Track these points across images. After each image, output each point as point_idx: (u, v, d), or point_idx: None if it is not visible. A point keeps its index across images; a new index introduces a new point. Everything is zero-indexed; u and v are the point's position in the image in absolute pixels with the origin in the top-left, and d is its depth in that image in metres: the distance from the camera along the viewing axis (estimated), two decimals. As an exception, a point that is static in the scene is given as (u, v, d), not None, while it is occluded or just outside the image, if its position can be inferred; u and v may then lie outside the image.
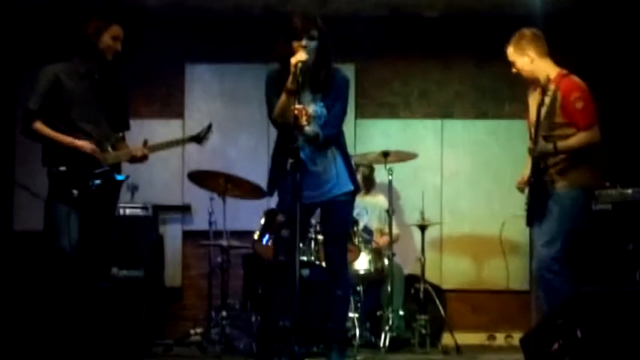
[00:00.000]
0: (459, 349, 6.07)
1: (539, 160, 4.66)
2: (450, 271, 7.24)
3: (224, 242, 6.01)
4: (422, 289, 6.15)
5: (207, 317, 6.15)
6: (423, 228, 6.35)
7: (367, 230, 6.33)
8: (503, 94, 7.35)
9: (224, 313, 5.82)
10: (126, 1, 6.75)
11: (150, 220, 6.63)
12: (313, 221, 5.20)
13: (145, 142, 4.82)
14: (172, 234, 7.34)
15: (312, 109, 4.28)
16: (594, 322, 3.75)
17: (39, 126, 4.61)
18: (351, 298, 5.77)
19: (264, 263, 5.81)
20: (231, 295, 6.23)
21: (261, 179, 5.32)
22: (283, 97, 4.24)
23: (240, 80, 7.28)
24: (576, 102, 4.63)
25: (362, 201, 6.49)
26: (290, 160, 4.00)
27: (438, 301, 6.25)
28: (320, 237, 5.38)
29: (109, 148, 4.73)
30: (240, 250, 6.40)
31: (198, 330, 6.11)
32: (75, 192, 4.51)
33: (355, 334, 5.74)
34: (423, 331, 6.05)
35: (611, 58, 7.02)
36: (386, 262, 6.14)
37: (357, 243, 5.87)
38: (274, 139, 4.52)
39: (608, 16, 6.99)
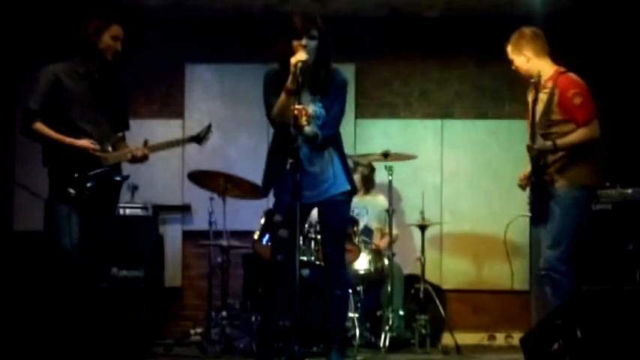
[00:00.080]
0: (459, 349, 6.07)
1: (539, 158, 4.67)
2: (450, 271, 7.24)
3: (224, 242, 6.00)
4: (422, 289, 6.15)
5: (207, 317, 6.15)
6: (423, 228, 6.35)
7: (367, 230, 6.33)
8: (503, 94, 7.36)
9: (224, 313, 5.82)
10: (126, 1, 6.76)
11: (150, 220, 6.62)
12: (314, 221, 5.20)
13: (146, 142, 4.81)
14: (172, 234, 7.34)
15: (311, 109, 4.28)
16: (594, 322, 3.75)
17: (39, 126, 4.61)
18: (351, 298, 5.78)
19: (264, 263, 5.81)
20: (231, 295, 6.23)
21: (261, 179, 5.31)
22: (283, 96, 4.24)
23: (240, 80, 7.27)
24: (574, 98, 4.64)
25: (362, 201, 6.50)
26: (290, 160, 4.00)
27: (438, 301, 6.25)
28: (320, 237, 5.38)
29: (109, 148, 4.72)
30: (240, 250, 6.40)
31: (198, 330, 6.11)
32: (72, 191, 4.51)
33: (355, 334, 5.74)
34: (423, 331, 6.05)
35: (611, 58, 7.02)
36: (386, 262, 6.14)
37: (357, 243, 5.88)
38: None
39: (608, 16, 6.99)
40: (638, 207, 5.67)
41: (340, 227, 4.56)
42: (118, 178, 4.77)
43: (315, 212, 4.65)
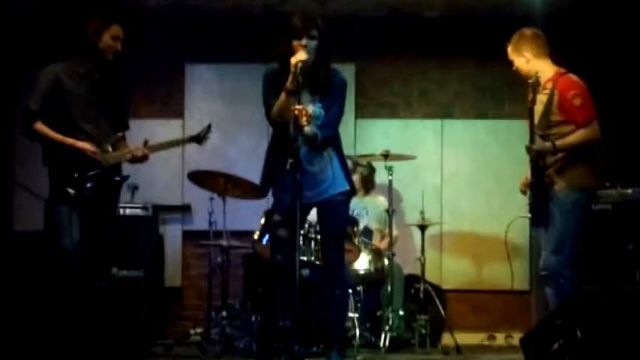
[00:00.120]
0: (459, 349, 6.07)
1: (538, 159, 4.67)
2: (450, 271, 7.24)
3: (224, 242, 6.00)
4: (422, 289, 6.15)
5: (207, 317, 6.15)
6: (423, 228, 6.35)
7: (367, 232, 6.32)
8: (503, 94, 7.36)
9: (224, 313, 5.82)
10: (126, 1, 6.76)
11: (150, 220, 6.62)
12: (314, 221, 5.20)
13: (146, 142, 4.82)
14: (172, 234, 7.34)
15: (310, 109, 4.27)
16: (594, 322, 3.75)
17: (39, 126, 4.61)
18: (351, 298, 5.79)
19: (264, 263, 5.80)
20: (231, 295, 6.23)
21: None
22: (282, 96, 4.23)
23: (240, 80, 7.27)
24: (574, 99, 4.63)
25: (361, 202, 6.50)
26: (290, 160, 4.00)
27: (438, 301, 6.25)
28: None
29: (109, 148, 4.72)
30: (240, 250, 6.40)
31: (198, 330, 6.11)
32: (72, 191, 4.51)
33: (355, 334, 5.74)
34: (423, 331, 6.04)
35: (611, 58, 7.02)
36: (386, 262, 6.14)
37: (357, 243, 5.88)
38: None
39: (608, 16, 6.99)
40: (638, 207, 5.67)
41: (339, 227, 4.56)
42: (118, 178, 4.77)
43: (314, 212, 4.65)
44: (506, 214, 5.23)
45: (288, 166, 4.00)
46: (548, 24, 5.18)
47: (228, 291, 6.06)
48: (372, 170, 6.72)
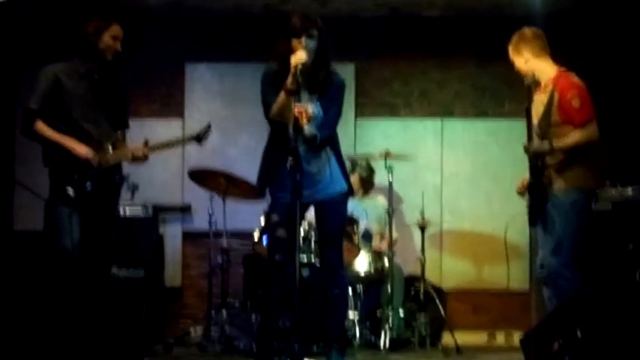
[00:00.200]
0: (458, 349, 6.06)
1: (536, 159, 4.67)
2: (450, 271, 7.24)
3: (224, 242, 6.01)
4: (422, 289, 6.15)
5: (207, 317, 6.15)
6: (423, 228, 6.34)
7: (366, 234, 6.31)
8: (503, 93, 7.36)
9: (224, 313, 5.83)
10: (126, 1, 6.76)
11: (150, 220, 6.62)
12: (314, 221, 5.20)
13: (146, 142, 4.81)
14: (172, 234, 7.34)
15: (310, 109, 4.27)
16: (594, 322, 3.75)
17: (39, 126, 4.60)
18: (351, 298, 5.79)
19: (264, 263, 5.81)
20: (231, 295, 6.24)
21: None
22: (282, 96, 4.23)
23: (240, 80, 7.27)
24: (573, 100, 4.63)
25: (361, 202, 6.49)
26: (290, 160, 4.00)
27: (438, 301, 6.25)
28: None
29: (110, 148, 4.72)
30: (240, 250, 6.40)
31: (199, 329, 6.12)
32: (71, 191, 4.51)
33: (355, 334, 5.75)
34: (423, 331, 6.04)
35: (611, 58, 7.02)
36: (386, 262, 6.14)
37: (356, 242, 5.88)
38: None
39: (608, 16, 6.99)
40: (638, 207, 5.67)
41: (337, 227, 4.56)
42: (118, 178, 4.77)
43: (312, 213, 4.65)
44: (506, 215, 5.24)
45: (288, 166, 4.00)
46: (548, 24, 5.17)
47: (228, 291, 6.07)
48: (371, 171, 6.71)
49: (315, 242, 5.46)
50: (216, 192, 5.98)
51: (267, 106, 4.35)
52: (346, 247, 5.60)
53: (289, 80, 4.17)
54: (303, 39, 4.24)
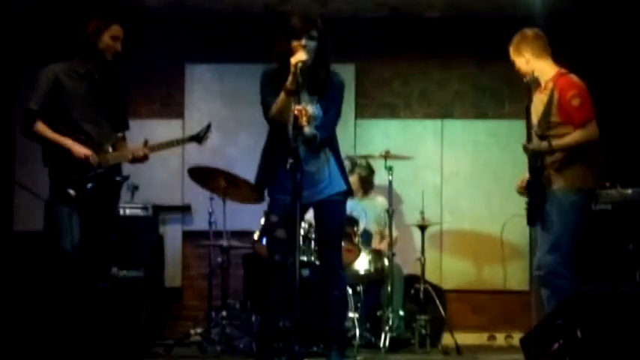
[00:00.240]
0: (459, 349, 6.07)
1: (535, 158, 4.67)
2: (450, 271, 7.24)
3: (224, 242, 6.00)
4: (422, 289, 6.15)
5: (207, 317, 6.15)
6: (423, 228, 6.34)
7: (366, 234, 6.31)
8: (503, 94, 7.36)
9: (224, 313, 5.82)
10: (126, 1, 6.75)
11: (150, 220, 6.62)
12: (314, 221, 5.19)
13: (146, 142, 4.82)
14: (172, 234, 7.33)
15: (310, 110, 4.27)
16: (594, 322, 3.75)
17: (39, 126, 4.61)
18: (351, 298, 5.78)
19: (264, 263, 5.81)
20: (231, 295, 6.24)
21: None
22: (282, 96, 4.23)
23: (240, 80, 7.27)
24: (573, 100, 4.64)
25: (360, 203, 6.48)
26: (290, 160, 4.00)
27: (438, 301, 6.25)
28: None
29: (110, 149, 4.72)
30: (240, 250, 6.40)
31: (199, 330, 6.10)
32: (72, 192, 4.51)
33: (355, 334, 5.74)
34: (423, 331, 6.04)
35: (611, 58, 7.02)
36: (386, 262, 6.14)
37: (356, 242, 5.88)
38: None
39: (608, 16, 6.99)
40: (638, 207, 5.66)
41: (336, 227, 4.55)
42: (119, 179, 4.77)
43: (311, 213, 4.65)
44: (506, 214, 5.24)
45: (288, 167, 4.00)
46: (548, 24, 5.18)
47: (228, 291, 6.06)
48: (370, 171, 6.70)
49: (315, 242, 5.45)
50: (216, 194, 5.97)
51: (266, 106, 4.35)
52: (347, 248, 5.61)
53: (289, 80, 4.17)
54: (303, 39, 4.23)
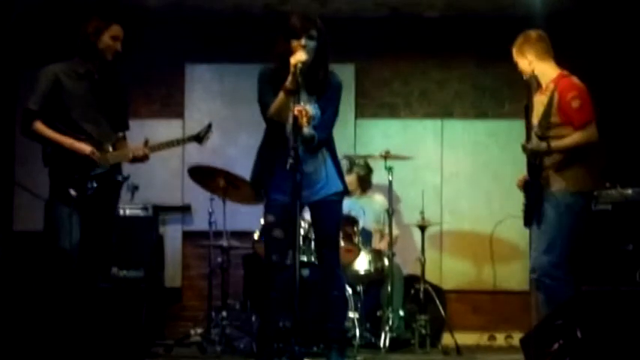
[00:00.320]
0: (459, 349, 6.07)
1: (534, 158, 4.67)
2: (450, 271, 7.24)
3: (224, 242, 6.00)
4: (422, 289, 6.15)
5: (207, 317, 6.14)
6: (423, 228, 6.34)
7: (365, 233, 6.31)
8: (503, 94, 7.36)
9: (224, 314, 5.82)
10: (126, 1, 6.76)
11: (150, 221, 6.62)
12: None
13: (146, 142, 4.82)
14: (172, 234, 7.34)
15: (309, 110, 4.27)
16: (594, 322, 3.75)
17: (39, 126, 4.61)
18: (351, 298, 5.78)
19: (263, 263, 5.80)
20: (231, 295, 6.24)
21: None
22: (281, 96, 4.23)
23: (240, 80, 7.26)
24: (573, 101, 4.64)
25: (358, 201, 6.48)
26: (290, 160, 3.99)
27: (438, 302, 6.25)
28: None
29: (110, 148, 4.72)
30: (240, 250, 6.39)
31: (198, 330, 6.10)
32: (73, 192, 4.51)
33: (355, 334, 5.74)
34: (423, 331, 6.04)
35: (611, 58, 7.02)
36: (386, 262, 6.14)
37: (356, 242, 5.87)
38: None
39: (608, 16, 6.99)
40: (638, 207, 5.67)
41: (334, 227, 4.55)
42: (119, 179, 4.77)
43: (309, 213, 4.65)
44: (506, 214, 5.24)
45: (288, 166, 4.00)
46: (548, 24, 5.18)
47: (228, 291, 6.06)
48: (368, 170, 6.70)
49: (314, 242, 5.45)
50: (216, 194, 5.97)
51: (264, 105, 4.34)
52: (347, 248, 5.62)
53: (289, 80, 4.16)
54: (303, 39, 4.23)
